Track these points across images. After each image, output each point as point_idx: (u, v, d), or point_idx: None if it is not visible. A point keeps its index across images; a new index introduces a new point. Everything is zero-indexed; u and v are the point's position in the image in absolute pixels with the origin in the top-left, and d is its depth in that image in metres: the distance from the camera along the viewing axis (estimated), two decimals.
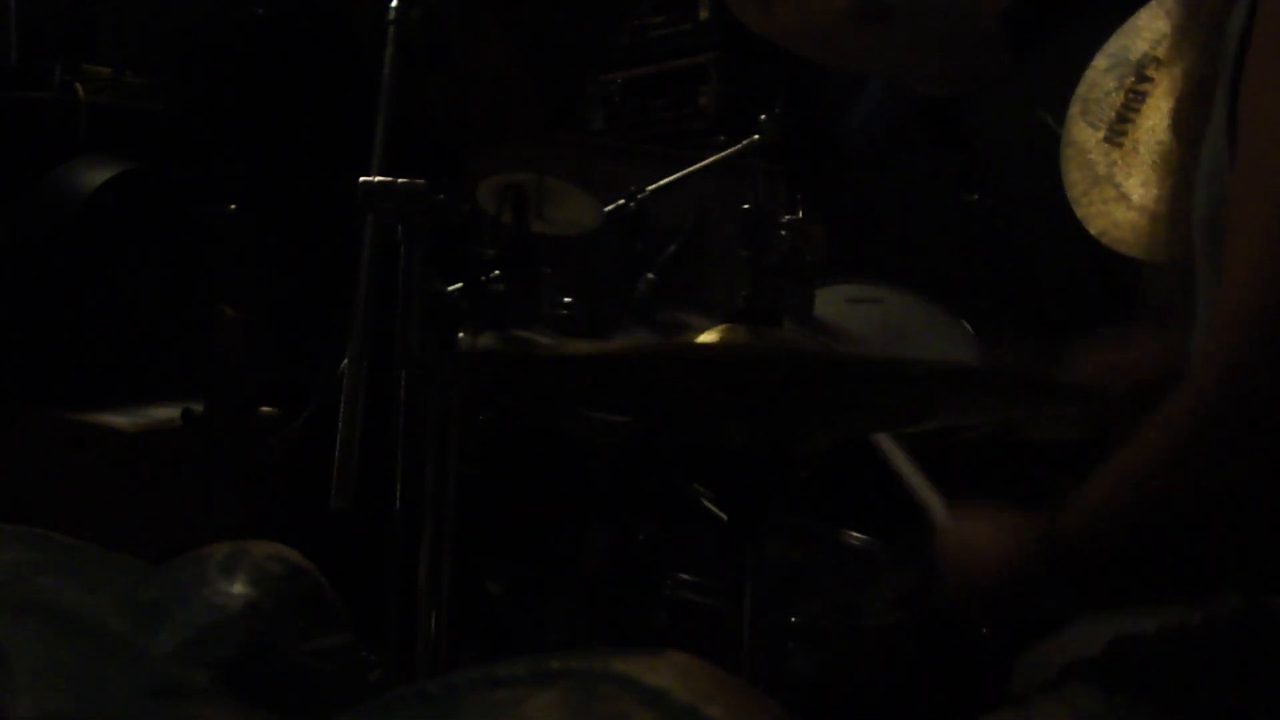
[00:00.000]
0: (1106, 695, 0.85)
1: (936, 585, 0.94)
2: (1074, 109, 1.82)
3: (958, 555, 0.94)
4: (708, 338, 0.87)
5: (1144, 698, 0.84)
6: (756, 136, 2.13)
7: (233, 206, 2.29)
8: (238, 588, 0.44)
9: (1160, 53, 1.75)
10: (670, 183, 2.21)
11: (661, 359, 0.85)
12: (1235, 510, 0.75)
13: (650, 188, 2.18)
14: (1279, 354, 0.71)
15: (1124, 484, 0.79)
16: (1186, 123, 0.90)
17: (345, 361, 1.21)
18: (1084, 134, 1.79)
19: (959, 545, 0.95)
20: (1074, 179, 1.78)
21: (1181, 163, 0.92)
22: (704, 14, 3.21)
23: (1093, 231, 1.74)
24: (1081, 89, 1.82)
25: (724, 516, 1.64)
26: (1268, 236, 0.73)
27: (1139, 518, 0.78)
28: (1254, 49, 0.78)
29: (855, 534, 1.66)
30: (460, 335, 1.73)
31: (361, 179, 1.28)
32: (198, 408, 1.96)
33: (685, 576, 1.48)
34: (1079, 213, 1.76)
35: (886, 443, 1.21)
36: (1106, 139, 1.76)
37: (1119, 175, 1.74)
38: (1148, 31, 1.78)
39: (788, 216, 1.91)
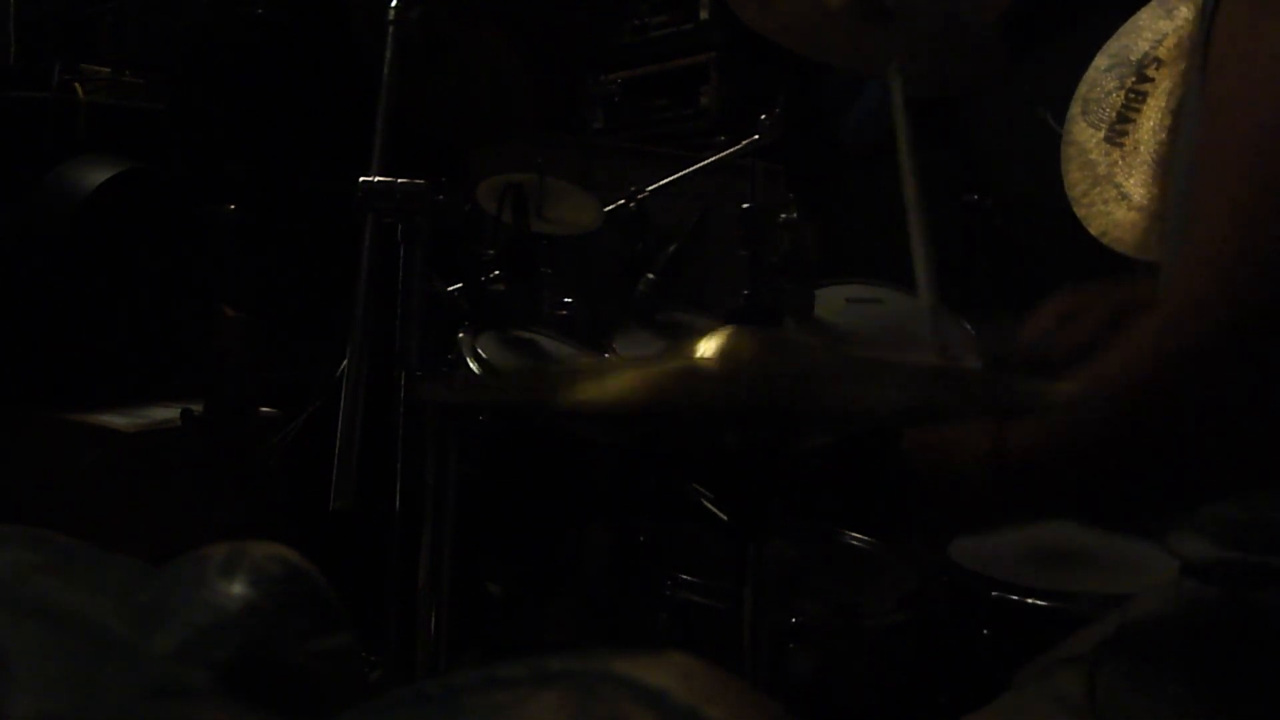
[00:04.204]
0: (1090, 682, 0.86)
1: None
2: (1074, 109, 1.82)
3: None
4: (709, 342, 0.86)
5: (1127, 683, 0.85)
6: (756, 136, 2.14)
7: (233, 206, 2.29)
8: (237, 588, 0.44)
9: (1161, 53, 1.75)
10: (670, 183, 2.21)
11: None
12: (1191, 444, 0.75)
13: (650, 188, 2.18)
14: (1250, 290, 0.72)
15: (1083, 418, 0.78)
16: (1180, 122, 0.91)
17: (345, 361, 1.21)
18: (1084, 134, 1.79)
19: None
20: (1074, 179, 1.78)
21: (1174, 161, 0.93)
22: (704, 14, 3.21)
23: (1093, 231, 1.74)
24: (1082, 89, 1.82)
25: (724, 516, 1.63)
26: (1239, 169, 0.74)
27: (1095, 450, 0.78)
28: (1220, 12, 0.79)
29: (855, 534, 1.66)
30: (460, 335, 1.73)
31: (361, 179, 1.28)
32: (198, 408, 1.96)
33: (685, 577, 1.48)
34: (1079, 213, 1.76)
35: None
36: (1107, 139, 1.76)
37: (1120, 175, 1.74)
38: (1148, 31, 1.78)
39: (783, 216, 1.91)
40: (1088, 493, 0.82)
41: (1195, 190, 0.78)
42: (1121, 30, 1.81)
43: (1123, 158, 1.74)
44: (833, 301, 1.99)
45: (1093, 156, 1.77)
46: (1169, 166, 0.93)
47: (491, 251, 1.87)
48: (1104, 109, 1.78)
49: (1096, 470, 0.79)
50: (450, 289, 1.75)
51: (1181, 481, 0.78)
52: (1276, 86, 0.74)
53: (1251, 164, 0.73)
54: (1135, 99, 1.76)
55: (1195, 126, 0.82)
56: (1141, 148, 1.73)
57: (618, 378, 0.84)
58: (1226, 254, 0.73)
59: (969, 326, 1.99)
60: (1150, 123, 1.74)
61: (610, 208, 2.15)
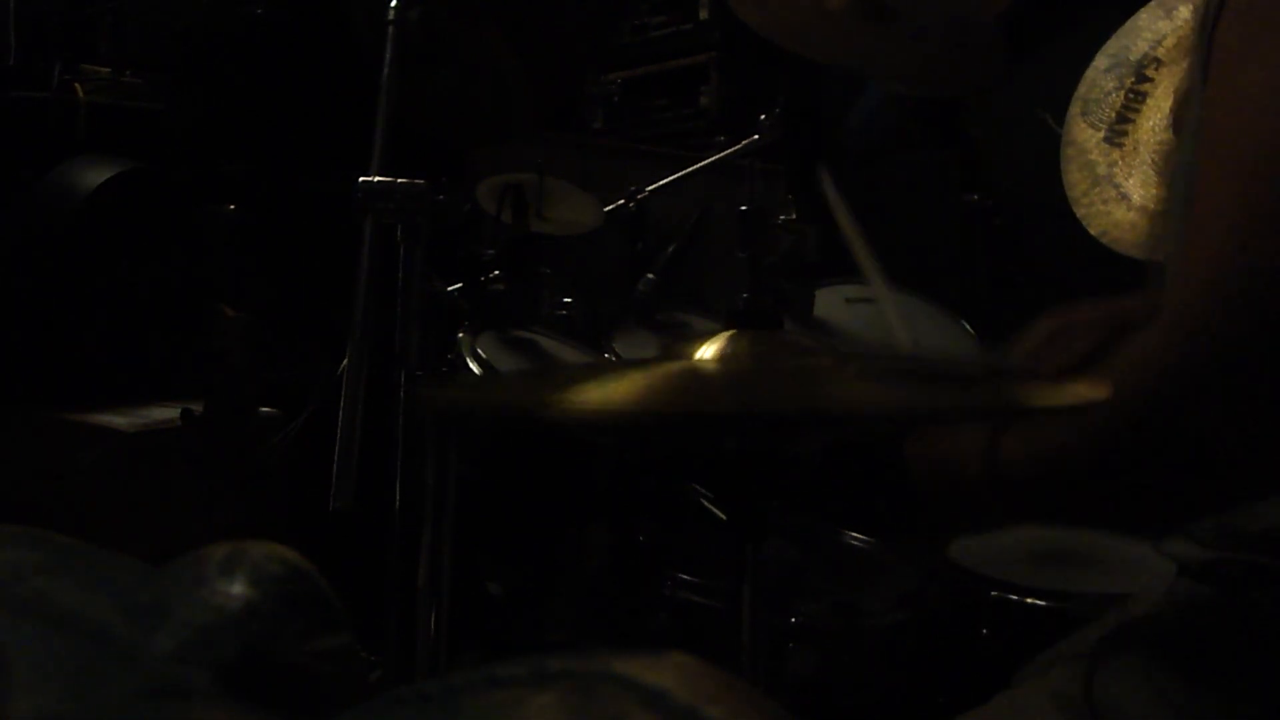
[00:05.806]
0: (1087, 680, 0.86)
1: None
2: (1074, 109, 1.82)
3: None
4: (708, 347, 0.87)
5: (1124, 682, 0.85)
6: (756, 136, 2.14)
7: (233, 206, 2.29)
8: (237, 588, 0.44)
9: (1160, 53, 1.75)
10: (670, 183, 2.21)
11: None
12: (1189, 457, 0.76)
13: (650, 188, 2.18)
14: (1247, 310, 0.74)
15: (1078, 431, 0.79)
16: (1184, 121, 0.92)
17: (345, 361, 1.21)
18: (1084, 134, 1.79)
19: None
20: (1074, 179, 1.78)
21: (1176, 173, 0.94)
22: (704, 14, 3.21)
23: (1093, 231, 1.74)
24: (1081, 89, 1.82)
25: (724, 516, 1.64)
26: (1236, 191, 0.76)
27: (1088, 465, 0.79)
28: (1223, 18, 0.80)
29: (855, 534, 1.66)
30: (460, 335, 1.73)
31: (361, 179, 1.28)
32: (198, 408, 1.96)
33: (685, 577, 1.48)
34: (1079, 213, 1.76)
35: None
36: (1107, 139, 1.76)
37: (1119, 175, 1.74)
38: (1148, 31, 1.78)
39: (782, 217, 1.91)
40: (1083, 502, 0.83)
41: (1192, 210, 0.79)
42: (1121, 30, 1.81)
43: (1122, 158, 1.74)
44: (833, 301, 1.99)
45: (1092, 157, 1.77)
46: (1172, 174, 0.94)
47: (491, 251, 1.87)
48: (1103, 109, 1.78)
49: (1093, 481, 0.80)
50: (450, 289, 1.76)
51: (1178, 492, 0.79)
52: (1267, 113, 0.75)
53: (1245, 187, 0.75)
54: (1135, 99, 1.76)
55: (1194, 140, 0.84)
56: (1141, 148, 1.73)
57: (619, 382, 0.84)
58: (1222, 273, 0.75)
59: (968, 326, 1.99)
60: (1150, 123, 1.73)
61: (610, 208, 2.15)
